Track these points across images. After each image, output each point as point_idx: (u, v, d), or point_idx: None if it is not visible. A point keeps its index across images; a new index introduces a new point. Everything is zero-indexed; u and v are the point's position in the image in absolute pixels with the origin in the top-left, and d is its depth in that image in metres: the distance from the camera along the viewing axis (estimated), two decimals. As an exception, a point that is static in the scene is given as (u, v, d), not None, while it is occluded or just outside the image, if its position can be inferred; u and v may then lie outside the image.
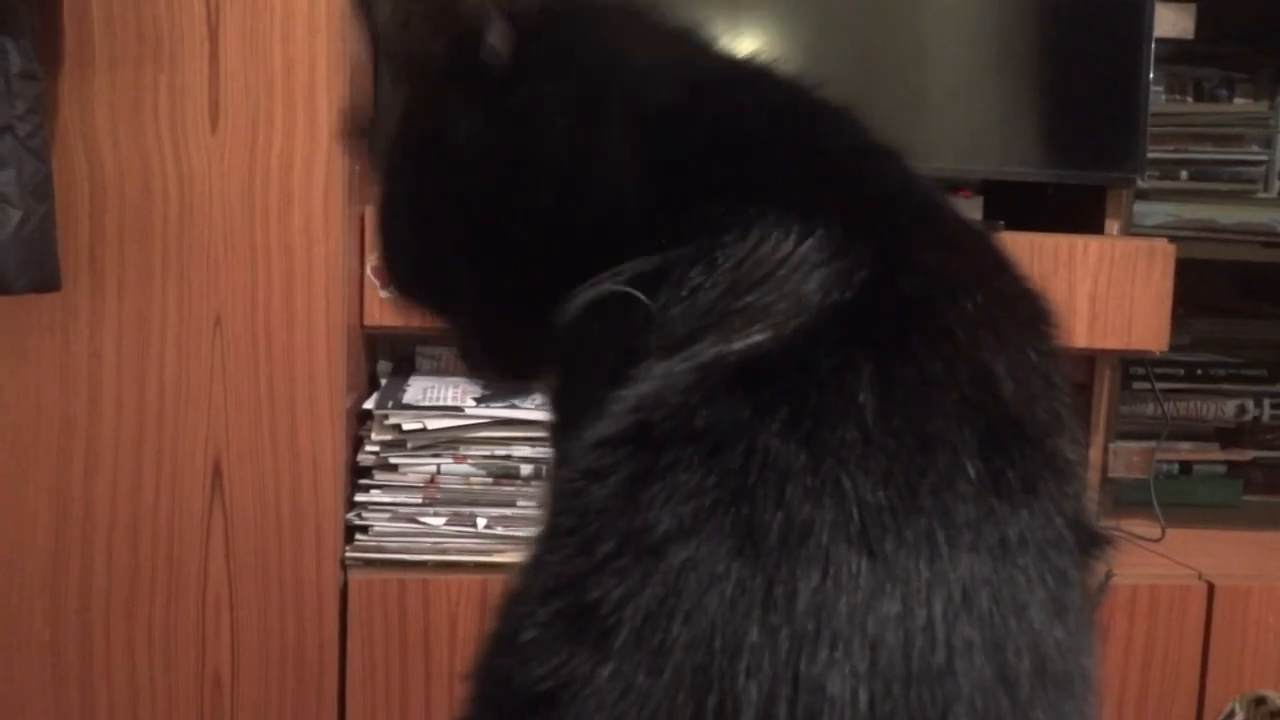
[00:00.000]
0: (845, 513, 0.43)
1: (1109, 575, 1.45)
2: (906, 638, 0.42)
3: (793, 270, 0.49)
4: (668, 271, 0.51)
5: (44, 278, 1.06)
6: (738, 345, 0.48)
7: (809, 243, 0.50)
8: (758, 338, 0.48)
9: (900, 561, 0.43)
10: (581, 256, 0.54)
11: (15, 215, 1.01)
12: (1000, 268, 0.55)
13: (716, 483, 0.44)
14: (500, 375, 0.62)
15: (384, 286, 0.61)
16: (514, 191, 0.55)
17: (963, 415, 0.46)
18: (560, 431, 0.56)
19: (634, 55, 0.58)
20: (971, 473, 0.45)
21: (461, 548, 1.28)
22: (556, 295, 0.54)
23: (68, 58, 1.15)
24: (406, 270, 0.61)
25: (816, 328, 0.48)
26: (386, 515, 1.28)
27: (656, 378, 0.48)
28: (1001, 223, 1.47)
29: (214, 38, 1.18)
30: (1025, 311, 0.54)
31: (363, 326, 1.32)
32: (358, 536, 1.28)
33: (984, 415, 0.47)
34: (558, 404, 0.59)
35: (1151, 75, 1.52)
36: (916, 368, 0.47)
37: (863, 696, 0.41)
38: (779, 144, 0.56)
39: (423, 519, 1.29)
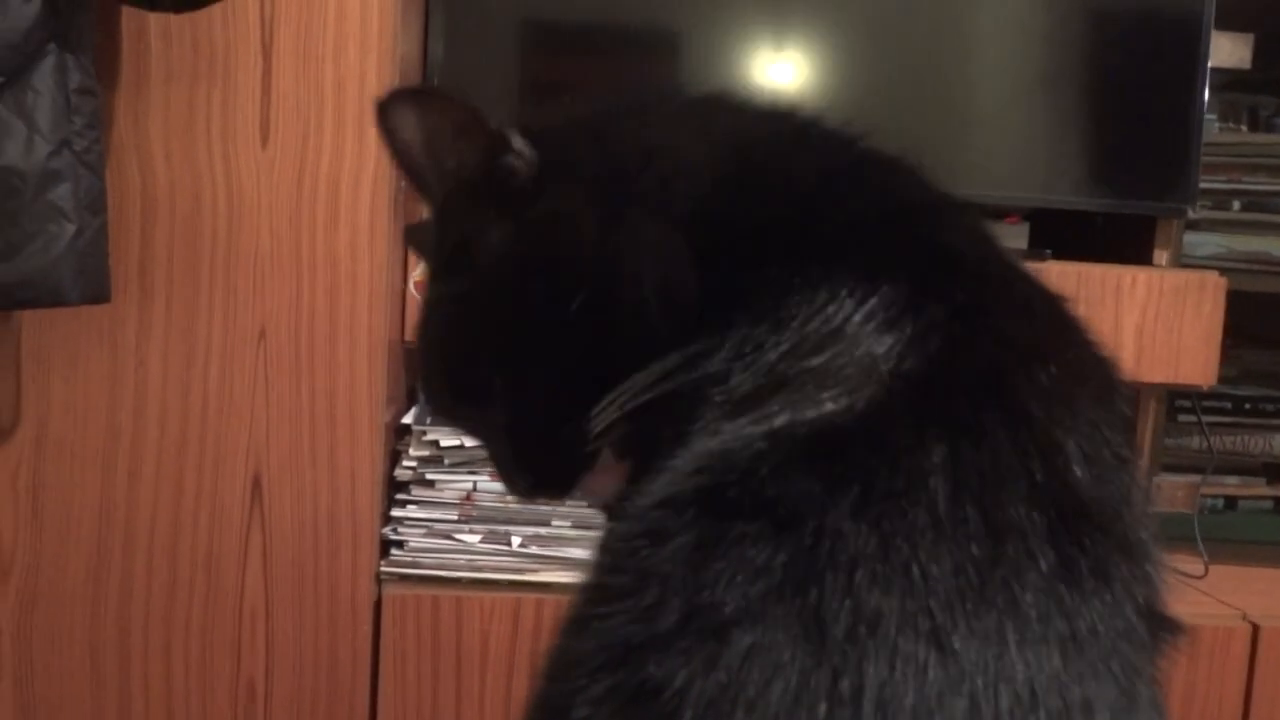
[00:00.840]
0: (915, 603, 0.42)
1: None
2: None
3: (860, 328, 0.48)
4: (726, 333, 0.50)
5: (96, 290, 1.08)
6: (810, 414, 0.46)
7: (874, 301, 0.49)
8: (830, 406, 0.46)
9: (969, 656, 0.42)
10: (621, 358, 0.53)
11: (70, 229, 1.03)
12: (1072, 334, 0.54)
13: (785, 562, 0.42)
14: (539, 487, 0.60)
15: (424, 402, 0.60)
16: (546, 299, 0.55)
17: (1034, 500, 0.45)
18: (618, 443, 0.55)
19: (660, 149, 0.58)
20: (1043, 563, 0.44)
21: (496, 565, 1.29)
22: (595, 396, 0.53)
23: (124, 73, 1.18)
24: (442, 381, 0.60)
25: (890, 401, 0.46)
26: (422, 531, 1.29)
27: (722, 439, 0.47)
28: (1049, 251, 1.45)
29: (267, 55, 1.20)
30: (1097, 383, 0.52)
31: (404, 341, 1.33)
32: (393, 551, 1.29)
33: (1055, 501, 0.45)
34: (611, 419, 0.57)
35: (1206, 104, 1.49)
36: (990, 449, 0.46)
37: None
38: (832, 204, 0.55)
39: (458, 536, 1.29)
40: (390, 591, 1.26)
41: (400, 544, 1.29)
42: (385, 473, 1.29)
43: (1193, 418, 1.58)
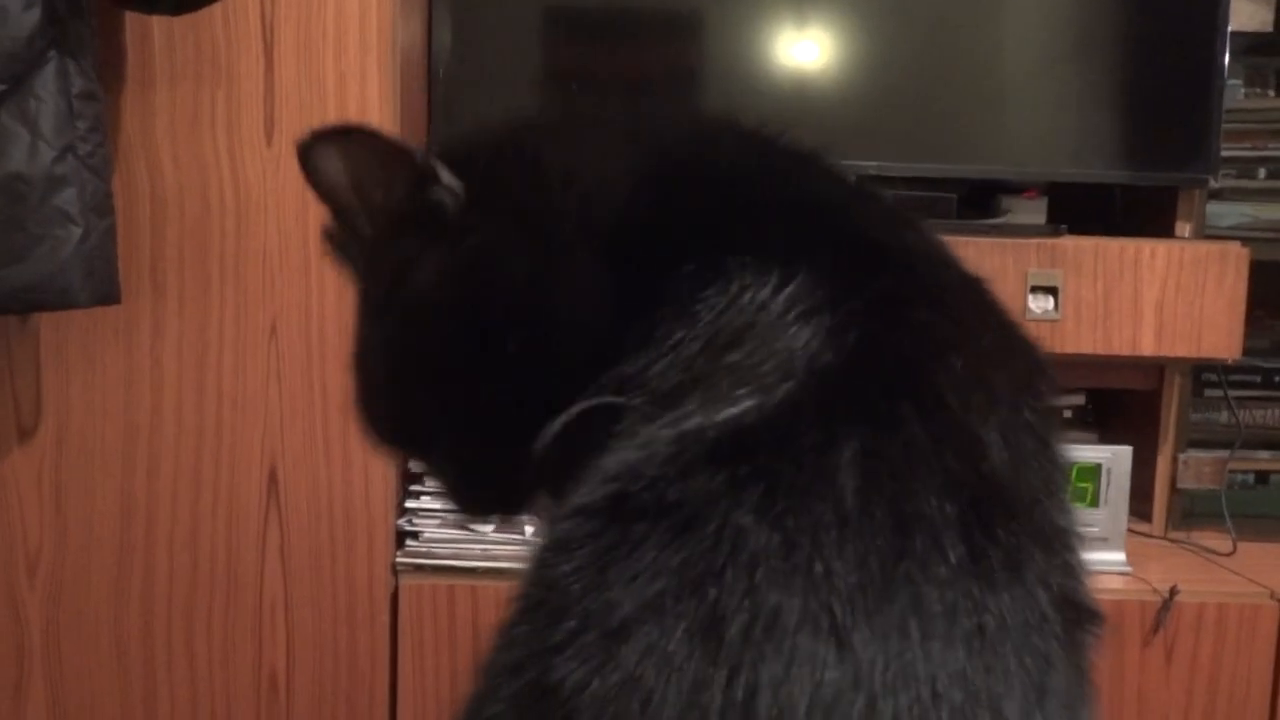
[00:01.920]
0: (816, 601, 0.41)
1: (1174, 592, 1.40)
2: None
3: (778, 320, 0.48)
4: (649, 331, 0.50)
5: (106, 291, 1.10)
6: (721, 415, 0.46)
7: (789, 290, 0.48)
8: (744, 404, 0.46)
9: (868, 655, 0.41)
10: (559, 382, 0.53)
11: (77, 232, 1.05)
12: (994, 319, 0.54)
13: (683, 561, 0.42)
14: (488, 509, 0.60)
15: (363, 433, 0.61)
16: (481, 334, 0.54)
17: (947, 492, 0.44)
18: (558, 468, 0.55)
19: (578, 165, 0.57)
20: (951, 556, 0.43)
21: (510, 554, 1.30)
22: (538, 424, 0.53)
23: (129, 76, 1.19)
24: (381, 415, 0.60)
25: (802, 399, 0.46)
26: (436, 521, 1.30)
27: (636, 444, 0.47)
28: (1064, 226, 1.43)
29: (269, 54, 1.21)
30: (1020, 366, 0.52)
31: (415, 334, 1.33)
32: (408, 542, 1.30)
33: (969, 489, 0.45)
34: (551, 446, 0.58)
35: (1228, 69, 1.46)
36: (903, 441, 0.45)
37: None
38: (746, 198, 0.55)
39: (472, 526, 1.30)
40: (406, 582, 1.28)
41: (415, 535, 1.30)
42: (399, 464, 1.30)
43: (1219, 392, 1.55)
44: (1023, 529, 0.46)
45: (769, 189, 0.56)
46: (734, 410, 0.46)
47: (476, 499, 0.59)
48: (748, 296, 0.49)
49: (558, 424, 0.52)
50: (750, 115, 0.59)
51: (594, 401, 0.51)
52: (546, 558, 0.45)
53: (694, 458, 0.45)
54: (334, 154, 0.54)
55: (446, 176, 0.55)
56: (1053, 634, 0.45)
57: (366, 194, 0.55)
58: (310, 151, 0.55)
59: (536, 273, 0.54)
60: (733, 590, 0.41)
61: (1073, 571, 0.48)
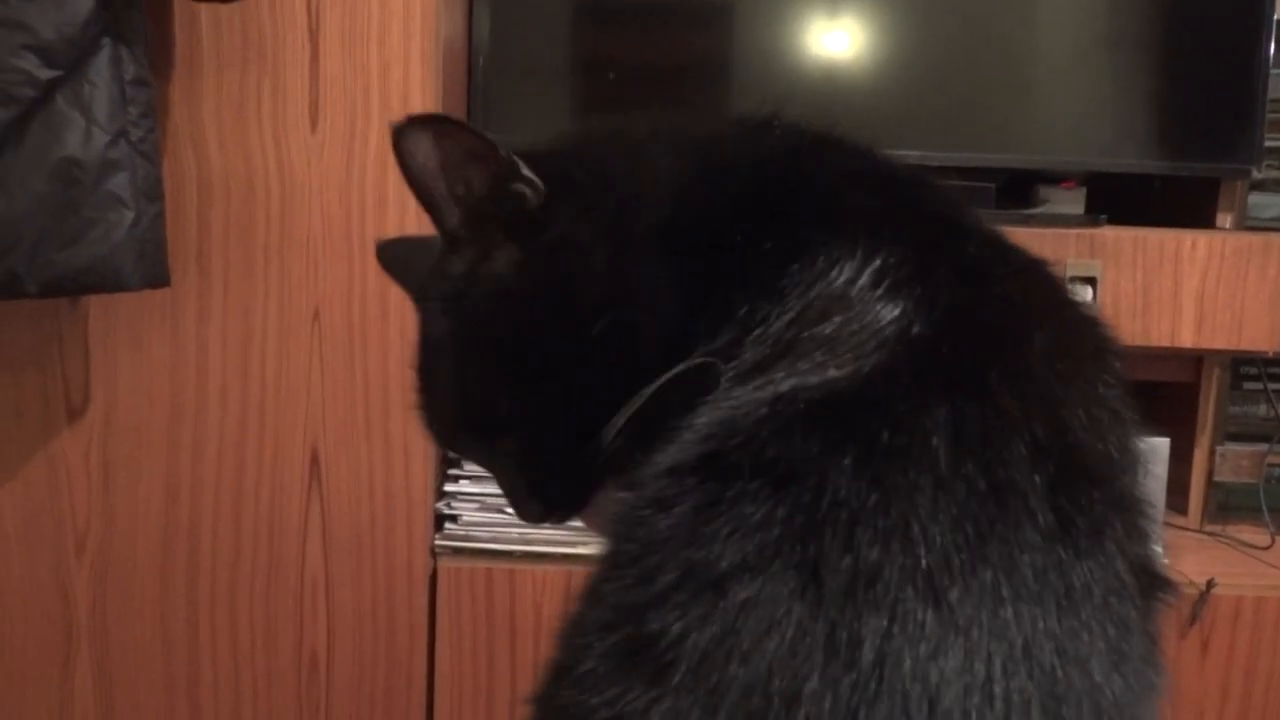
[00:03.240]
0: (913, 559, 0.42)
1: (1210, 585, 1.39)
2: (965, 692, 0.41)
3: (868, 293, 0.49)
4: (731, 309, 0.51)
5: (155, 275, 1.12)
6: (814, 380, 0.47)
7: (877, 264, 0.49)
8: (834, 373, 0.47)
9: (964, 612, 0.42)
10: (628, 371, 0.54)
11: (129, 216, 1.07)
12: (1063, 296, 0.55)
13: (784, 518, 0.43)
14: (551, 507, 0.60)
15: (426, 434, 0.62)
16: (558, 325, 0.56)
17: (1035, 459, 0.45)
18: (624, 457, 0.55)
19: (643, 169, 0.58)
20: (1041, 521, 0.44)
21: (547, 538, 1.31)
22: (607, 414, 0.54)
23: (177, 63, 1.21)
24: (448, 411, 0.60)
25: (895, 366, 0.47)
26: (475, 505, 1.32)
27: (729, 406, 0.48)
28: (1104, 217, 1.42)
29: (314, 41, 1.22)
30: (1092, 342, 0.53)
31: (454, 320, 1.35)
32: (447, 525, 1.32)
33: (1056, 459, 0.46)
34: (621, 432, 0.59)
35: (1272, 58, 1.44)
36: (994, 408, 0.46)
37: None
38: (811, 179, 0.56)
39: (510, 510, 1.31)
40: (445, 564, 1.29)
41: (454, 518, 1.32)
42: (439, 448, 1.31)
43: (1259, 385, 1.53)
44: (1104, 498, 0.47)
45: (836, 171, 0.57)
46: (828, 375, 0.47)
47: (540, 497, 0.59)
48: (835, 271, 0.50)
49: (626, 412, 0.53)
50: (790, 109, 0.60)
51: (679, 369, 0.52)
52: (642, 515, 0.46)
53: (790, 418, 0.46)
54: (426, 140, 0.55)
55: (528, 173, 0.56)
56: (1130, 600, 0.46)
57: (453, 183, 0.56)
58: (403, 136, 0.56)
59: (611, 263, 0.56)
60: (832, 546, 0.42)
61: (1146, 540, 0.49)
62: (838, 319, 0.49)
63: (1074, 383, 0.48)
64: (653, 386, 0.53)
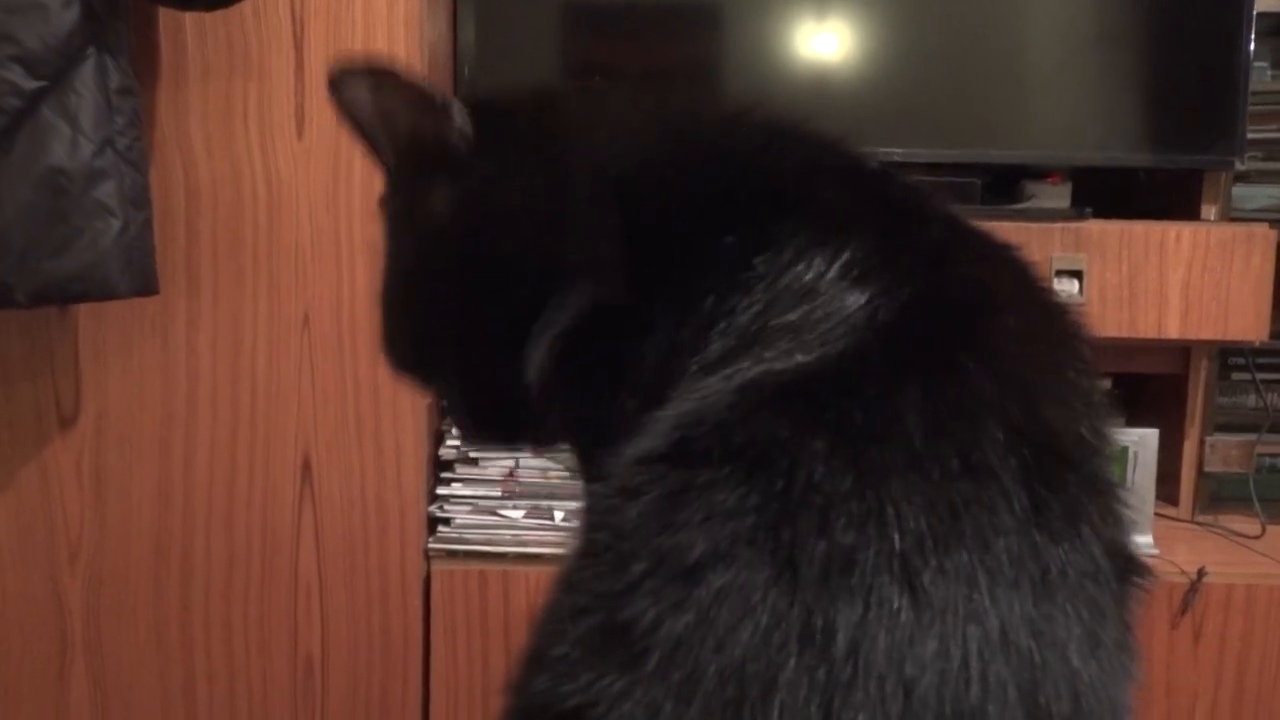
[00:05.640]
0: (888, 543, 0.42)
1: (1201, 574, 1.40)
2: (941, 678, 0.41)
3: (833, 285, 0.49)
4: (694, 299, 0.51)
5: (144, 282, 1.12)
6: (781, 365, 0.47)
7: (845, 256, 0.49)
8: (801, 358, 0.47)
9: (940, 597, 0.42)
10: (557, 311, 0.56)
11: (116, 224, 1.07)
12: (1032, 283, 0.55)
13: (756, 504, 0.43)
14: (496, 435, 0.64)
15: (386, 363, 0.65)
16: (482, 258, 0.58)
17: (1009, 442, 0.45)
18: (594, 449, 0.56)
19: (599, 121, 0.60)
20: (1016, 504, 0.44)
21: (540, 540, 1.31)
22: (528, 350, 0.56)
23: (163, 71, 1.21)
24: (398, 338, 0.64)
25: (863, 349, 0.47)
26: (467, 508, 1.32)
27: (697, 397, 0.48)
28: (1089, 210, 1.43)
29: (299, 47, 1.23)
30: (1062, 328, 0.53)
31: (444, 323, 1.35)
32: (440, 528, 1.32)
33: (1030, 441, 0.45)
34: (585, 425, 0.59)
35: (1254, 51, 1.45)
36: (966, 388, 0.46)
37: None
38: (789, 170, 0.56)
39: (502, 512, 1.32)
40: (439, 567, 1.29)
41: (447, 521, 1.32)
42: (430, 452, 1.32)
43: (1247, 375, 1.54)
44: (1078, 481, 0.47)
45: (806, 163, 0.57)
46: (795, 361, 0.47)
47: (481, 423, 0.62)
48: (803, 264, 0.50)
49: (537, 342, 0.55)
50: (773, 103, 0.61)
51: (565, 301, 0.54)
52: (611, 504, 0.46)
53: (758, 403, 0.46)
54: (362, 87, 0.59)
55: (460, 119, 0.58)
56: (1106, 585, 0.46)
57: (390, 127, 0.59)
58: (339, 83, 0.59)
59: (534, 208, 0.57)
60: (806, 532, 0.42)
61: (1121, 524, 0.49)
62: (804, 308, 0.49)
63: (1045, 366, 0.49)
64: (554, 320, 0.55)
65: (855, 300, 0.48)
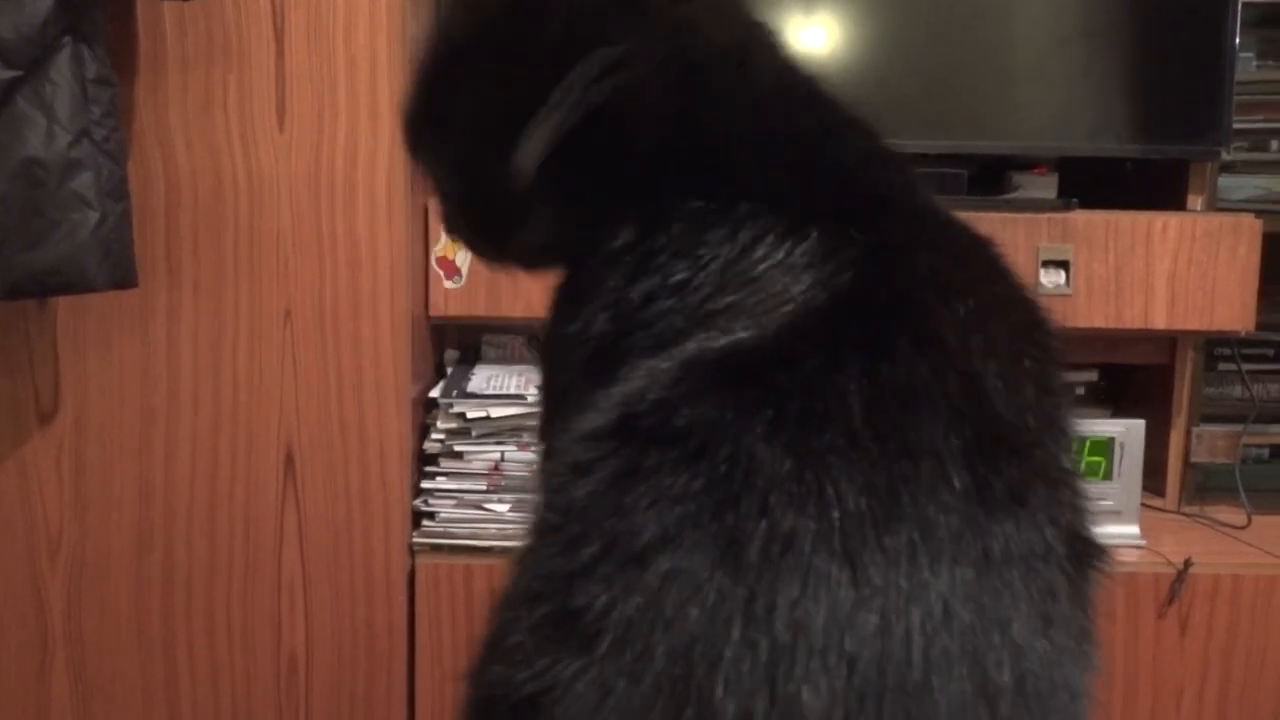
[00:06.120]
0: (828, 522, 0.43)
1: (1188, 565, 1.40)
2: (884, 651, 0.42)
3: (782, 273, 0.49)
4: (649, 258, 0.52)
5: (122, 275, 1.11)
6: (720, 342, 0.47)
7: (801, 245, 0.50)
8: (742, 334, 0.47)
9: (880, 573, 0.42)
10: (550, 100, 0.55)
11: (94, 216, 1.06)
12: (997, 274, 0.55)
13: (701, 489, 0.44)
14: (485, 238, 0.65)
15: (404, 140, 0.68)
16: (535, 22, 0.57)
17: (950, 423, 0.45)
18: (547, 426, 0.56)
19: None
20: (956, 483, 0.44)
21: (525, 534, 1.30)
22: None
23: (142, 62, 1.20)
24: (424, 114, 0.64)
25: (803, 325, 0.47)
26: (452, 502, 1.31)
27: (643, 374, 0.48)
28: (1076, 201, 1.42)
29: (280, 38, 1.22)
30: (1021, 318, 0.53)
31: (428, 317, 1.34)
32: (424, 522, 1.31)
33: (971, 424, 0.46)
34: (544, 396, 0.60)
35: (1240, 41, 1.45)
36: (905, 371, 0.46)
37: (838, 712, 0.41)
38: (776, 145, 0.56)
39: (487, 505, 1.31)
40: (423, 561, 1.29)
41: (431, 515, 1.31)
42: (414, 446, 1.31)
43: (1233, 366, 1.54)
44: (1025, 464, 0.47)
45: (798, 142, 0.57)
46: (736, 336, 0.48)
47: (473, 223, 0.63)
48: (759, 250, 0.50)
49: (537, 132, 0.55)
50: (826, 82, 0.61)
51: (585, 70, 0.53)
52: (561, 481, 0.47)
53: (698, 381, 0.46)
54: None
55: None
56: (1058, 566, 0.46)
57: None
58: None
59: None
60: (748, 515, 0.43)
61: (1079, 510, 0.49)
62: (745, 291, 0.49)
63: (994, 354, 0.49)
64: (565, 99, 0.54)
65: (797, 285, 0.49)
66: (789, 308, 0.48)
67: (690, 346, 0.48)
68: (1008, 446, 0.47)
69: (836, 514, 0.43)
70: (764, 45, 0.62)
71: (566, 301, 0.58)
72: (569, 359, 0.56)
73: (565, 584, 0.44)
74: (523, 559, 0.48)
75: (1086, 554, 0.49)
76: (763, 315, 0.48)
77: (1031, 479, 0.47)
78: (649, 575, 0.43)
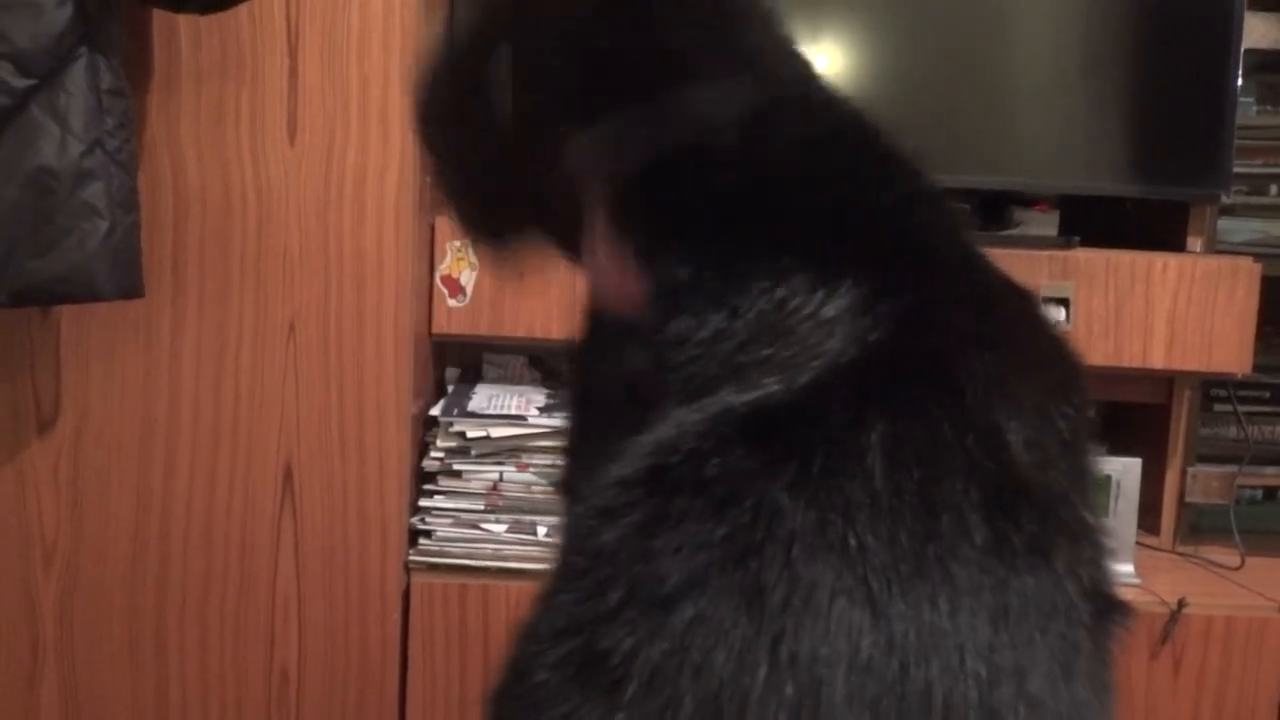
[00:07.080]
0: (851, 574, 0.44)
1: (1181, 604, 1.40)
2: (903, 700, 0.43)
3: (815, 326, 0.50)
4: (691, 298, 0.52)
5: (130, 285, 1.11)
6: (749, 396, 0.48)
7: (835, 303, 0.50)
8: (771, 388, 0.48)
9: (901, 625, 0.43)
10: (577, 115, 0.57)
11: (104, 226, 1.06)
12: (1032, 327, 0.55)
13: (725, 536, 0.45)
14: (481, 223, 0.65)
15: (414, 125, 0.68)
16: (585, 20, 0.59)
17: (970, 477, 0.46)
18: (576, 474, 0.57)
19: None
20: (976, 537, 0.45)
21: (521, 555, 1.30)
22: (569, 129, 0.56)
23: (155, 74, 1.21)
24: (448, 81, 0.64)
25: (829, 381, 0.48)
26: (449, 521, 1.31)
27: (670, 425, 0.49)
28: (1077, 239, 1.44)
29: (293, 54, 1.22)
30: (1053, 372, 0.54)
31: (431, 335, 1.35)
32: (421, 541, 1.31)
33: (992, 478, 0.47)
34: (572, 429, 0.60)
35: (1241, 86, 1.47)
36: (926, 427, 0.47)
37: None
38: (825, 192, 0.56)
39: (484, 525, 1.31)
40: (419, 580, 1.28)
41: (428, 533, 1.31)
42: (413, 464, 1.31)
43: (1229, 407, 1.55)
44: (1047, 519, 0.48)
45: (840, 187, 0.57)
46: (761, 391, 0.49)
47: (474, 208, 0.64)
48: (794, 302, 0.51)
49: (614, 137, 0.55)
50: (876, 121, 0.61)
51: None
52: (590, 525, 0.47)
53: (727, 435, 0.47)
54: None
55: None
56: (1080, 621, 0.47)
57: None
58: None
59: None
60: (772, 564, 0.44)
61: (1100, 565, 0.50)
62: (782, 343, 0.50)
63: (1016, 409, 0.49)
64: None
65: (833, 341, 0.50)
66: (818, 362, 0.49)
67: (721, 397, 0.49)
68: (1028, 500, 0.47)
69: (859, 565, 0.44)
70: (816, 83, 0.62)
71: (602, 328, 0.59)
72: (603, 394, 0.56)
73: (591, 626, 0.45)
74: (548, 600, 0.48)
75: (1108, 609, 0.49)
76: (793, 369, 0.49)
77: (1053, 533, 0.47)
78: (674, 621, 0.44)
